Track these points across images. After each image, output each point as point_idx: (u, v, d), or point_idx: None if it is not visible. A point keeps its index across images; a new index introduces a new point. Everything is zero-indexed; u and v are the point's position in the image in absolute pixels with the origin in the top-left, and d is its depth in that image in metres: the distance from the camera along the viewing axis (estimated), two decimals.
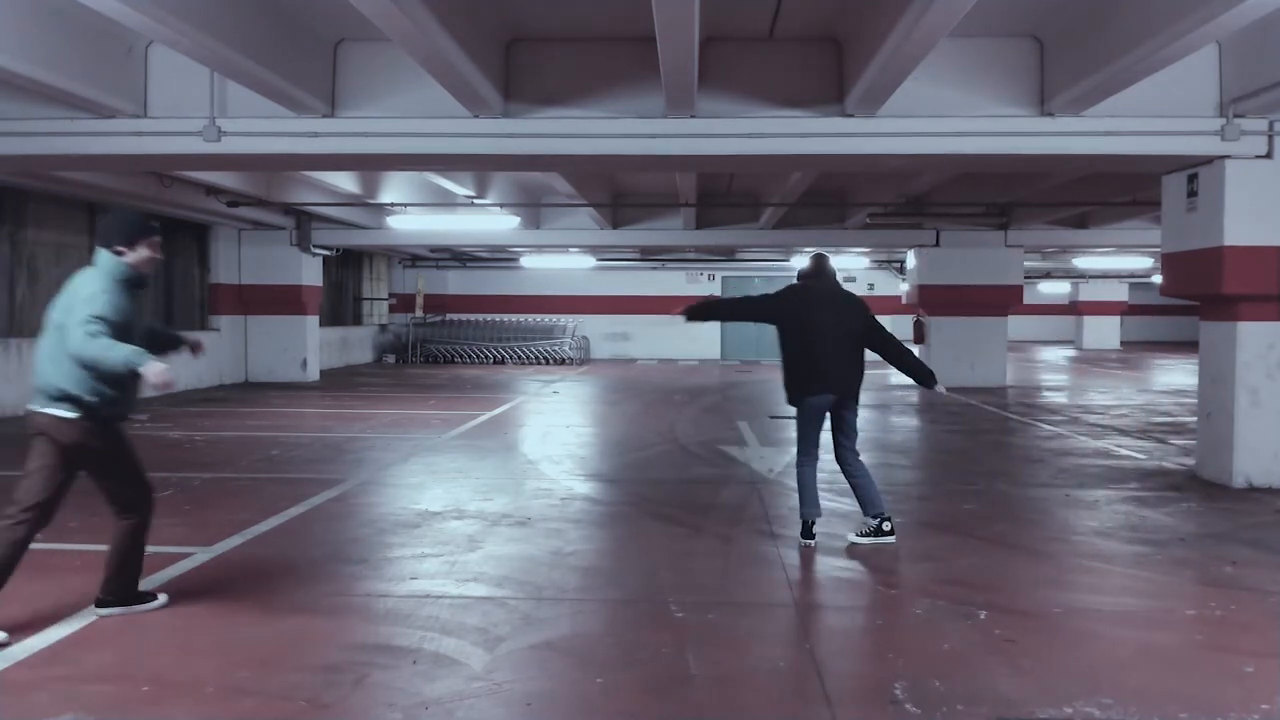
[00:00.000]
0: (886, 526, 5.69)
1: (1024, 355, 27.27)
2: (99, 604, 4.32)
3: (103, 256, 4.10)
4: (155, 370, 3.87)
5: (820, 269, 5.96)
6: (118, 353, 3.87)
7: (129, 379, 4.05)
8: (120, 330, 3.95)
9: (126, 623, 4.22)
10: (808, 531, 5.68)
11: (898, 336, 6.00)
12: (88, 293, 3.97)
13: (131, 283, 4.13)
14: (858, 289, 25.73)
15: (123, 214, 4.32)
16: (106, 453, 4.18)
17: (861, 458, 5.91)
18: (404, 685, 3.56)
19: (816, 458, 5.82)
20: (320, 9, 6.98)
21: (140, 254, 4.15)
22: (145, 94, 7.59)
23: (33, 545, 5.52)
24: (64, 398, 4.04)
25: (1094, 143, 7.39)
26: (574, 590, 4.80)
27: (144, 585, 4.65)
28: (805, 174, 11.77)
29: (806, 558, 5.47)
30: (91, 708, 3.33)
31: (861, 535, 5.70)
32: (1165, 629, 4.32)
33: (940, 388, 5.93)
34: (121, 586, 4.34)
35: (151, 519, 4.45)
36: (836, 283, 6.00)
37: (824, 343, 5.70)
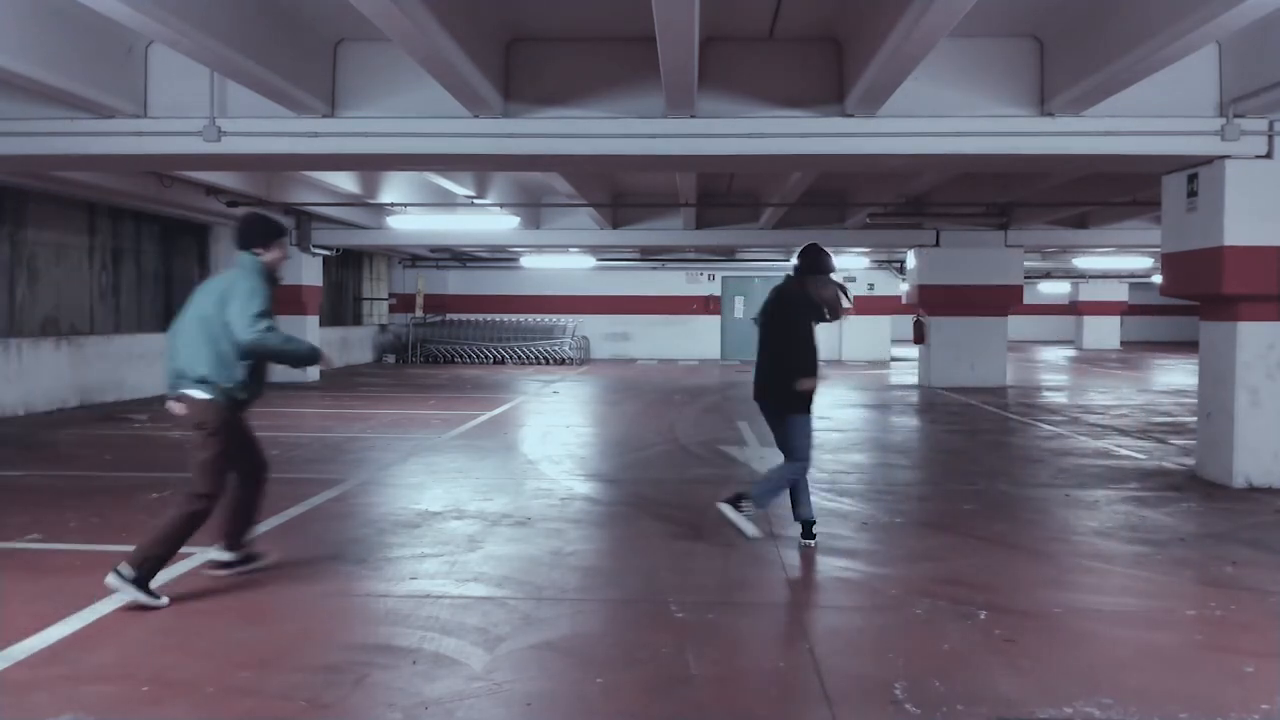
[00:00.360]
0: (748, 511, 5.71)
1: (1024, 355, 27.28)
2: (216, 563, 4.86)
3: (244, 258, 4.62)
4: (330, 357, 4.69)
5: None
6: (299, 344, 4.61)
7: (261, 369, 4.62)
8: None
9: (127, 622, 4.22)
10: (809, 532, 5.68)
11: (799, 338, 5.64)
12: (246, 289, 4.48)
13: (268, 279, 4.67)
14: (858, 289, 25.77)
15: (258, 219, 4.78)
16: (231, 432, 4.60)
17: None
18: (404, 685, 3.56)
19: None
20: (320, 9, 6.98)
21: (274, 254, 4.71)
22: (145, 94, 7.59)
23: (32, 545, 5.53)
24: (202, 381, 4.46)
25: (1094, 143, 7.39)
26: (574, 590, 4.81)
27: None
28: (805, 174, 11.77)
29: (807, 558, 5.47)
30: (91, 708, 3.33)
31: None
32: (1165, 629, 4.32)
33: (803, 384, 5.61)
34: (237, 539, 4.88)
35: (266, 484, 4.96)
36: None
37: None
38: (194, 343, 4.47)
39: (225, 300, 4.47)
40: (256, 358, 4.53)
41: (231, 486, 4.74)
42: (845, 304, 5.73)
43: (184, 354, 4.49)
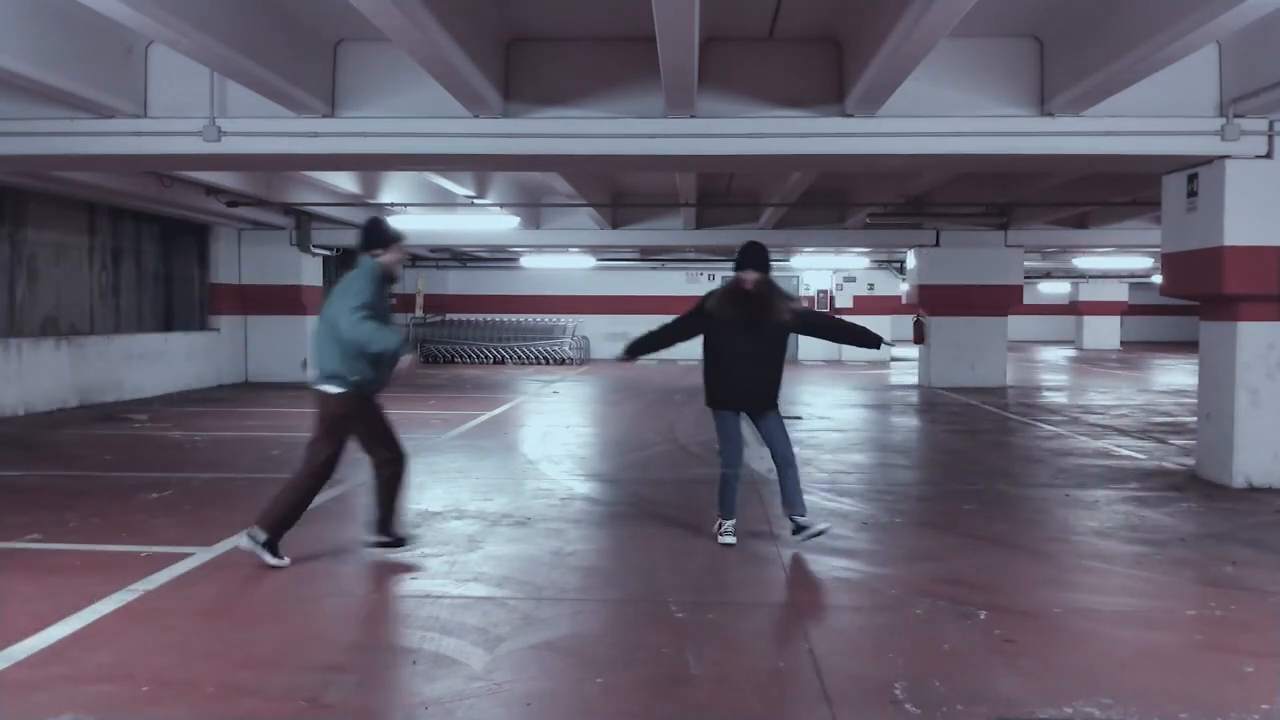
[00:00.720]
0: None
1: (1024, 355, 27.28)
2: (369, 544, 5.26)
3: (364, 260, 5.07)
4: (407, 359, 4.97)
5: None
6: (384, 337, 4.85)
7: (386, 360, 4.99)
8: (376, 315, 4.88)
9: (127, 622, 4.22)
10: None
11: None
12: (355, 289, 4.90)
13: (385, 279, 5.08)
14: (858, 289, 25.77)
15: (378, 224, 5.23)
16: (365, 419, 5.13)
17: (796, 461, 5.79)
18: (404, 685, 3.56)
19: None
20: (320, 9, 6.98)
21: (392, 255, 5.11)
22: (145, 94, 7.59)
23: (32, 545, 5.53)
24: (333, 377, 4.95)
25: (1094, 143, 7.39)
26: (574, 590, 4.80)
27: (141, 585, 4.66)
28: (805, 174, 11.77)
29: (807, 557, 5.46)
30: (91, 708, 3.33)
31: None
32: (1165, 629, 4.32)
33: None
34: (386, 524, 5.28)
35: (405, 472, 5.34)
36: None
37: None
38: (324, 343, 4.97)
39: (339, 301, 4.91)
40: (356, 349, 4.88)
41: (373, 476, 5.29)
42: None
43: (318, 353, 5.00)
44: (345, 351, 4.88)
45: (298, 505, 5.09)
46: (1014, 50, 7.40)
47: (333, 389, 4.97)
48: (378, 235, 5.12)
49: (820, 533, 5.57)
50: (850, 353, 25.40)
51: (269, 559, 4.99)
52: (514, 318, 25.06)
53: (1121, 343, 32.92)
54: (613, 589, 4.91)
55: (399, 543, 5.33)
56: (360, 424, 5.15)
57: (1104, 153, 7.45)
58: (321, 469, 5.08)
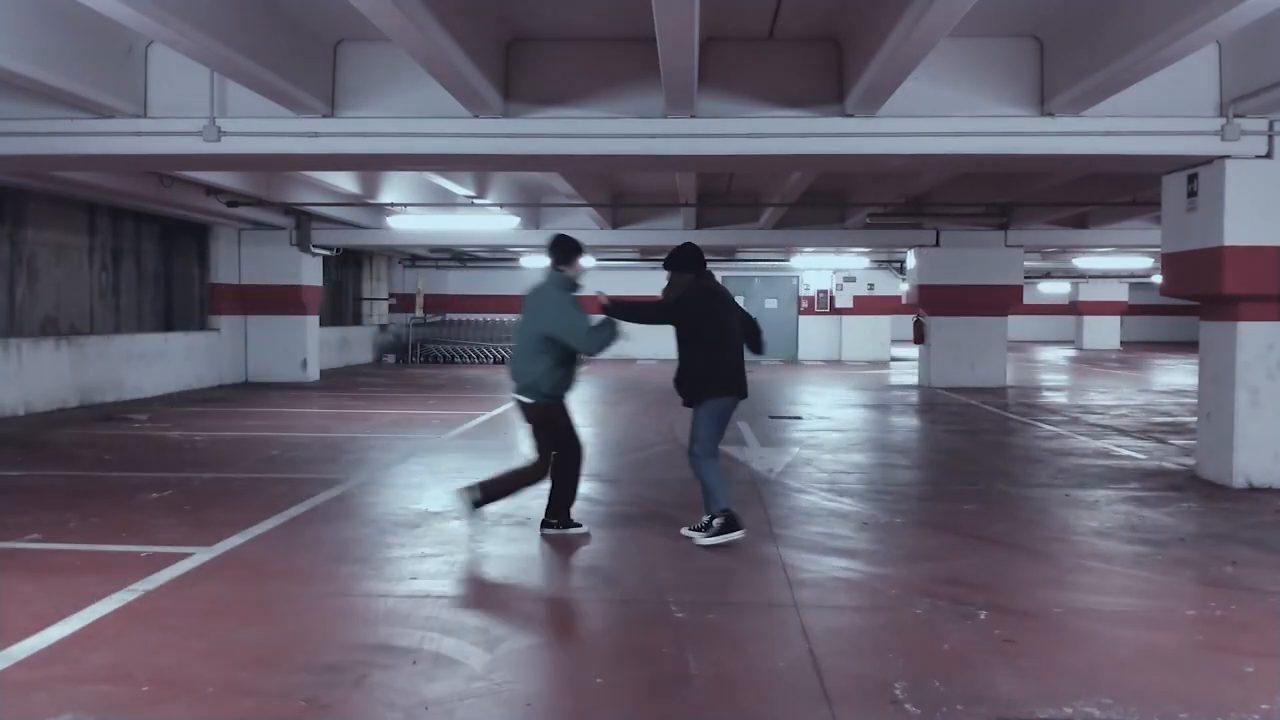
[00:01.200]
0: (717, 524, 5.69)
1: (1024, 355, 27.28)
2: (544, 525, 5.79)
3: (554, 274, 5.66)
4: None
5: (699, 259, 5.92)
6: (608, 331, 5.49)
7: (575, 370, 5.72)
8: None
9: (127, 622, 4.22)
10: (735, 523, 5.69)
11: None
12: (564, 304, 5.52)
13: (572, 288, 5.68)
14: (858, 289, 25.77)
15: (564, 240, 5.74)
16: (558, 422, 5.73)
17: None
18: (404, 685, 3.56)
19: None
20: (320, 9, 6.98)
21: (576, 268, 5.69)
22: (145, 94, 7.59)
23: (32, 545, 5.54)
24: (537, 388, 5.58)
25: (1094, 143, 7.39)
26: (574, 590, 4.80)
27: (141, 585, 4.66)
28: (805, 174, 11.77)
29: (806, 558, 5.46)
30: (91, 708, 3.33)
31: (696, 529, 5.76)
32: (1165, 629, 4.32)
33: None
34: (561, 510, 5.78)
35: (583, 465, 5.89)
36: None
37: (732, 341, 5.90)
38: (528, 358, 5.59)
39: (548, 319, 5.52)
40: (590, 353, 5.57)
41: (553, 468, 5.78)
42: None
43: (521, 367, 5.64)
44: (549, 369, 5.54)
45: (514, 487, 5.79)
46: (1014, 50, 7.40)
47: (529, 399, 5.63)
48: (565, 252, 5.69)
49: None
50: (850, 353, 25.42)
51: (470, 513, 5.73)
52: (514, 318, 24.98)
53: (1121, 343, 32.92)
54: (613, 589, 4.91)
55: (571, 525, 5.83)
56: (554, 426, 5.73)
57: (1104, 153, 7.45)
58: (539, 465, 5.75)
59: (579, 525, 5.88)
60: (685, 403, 5.94)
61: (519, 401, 5.71)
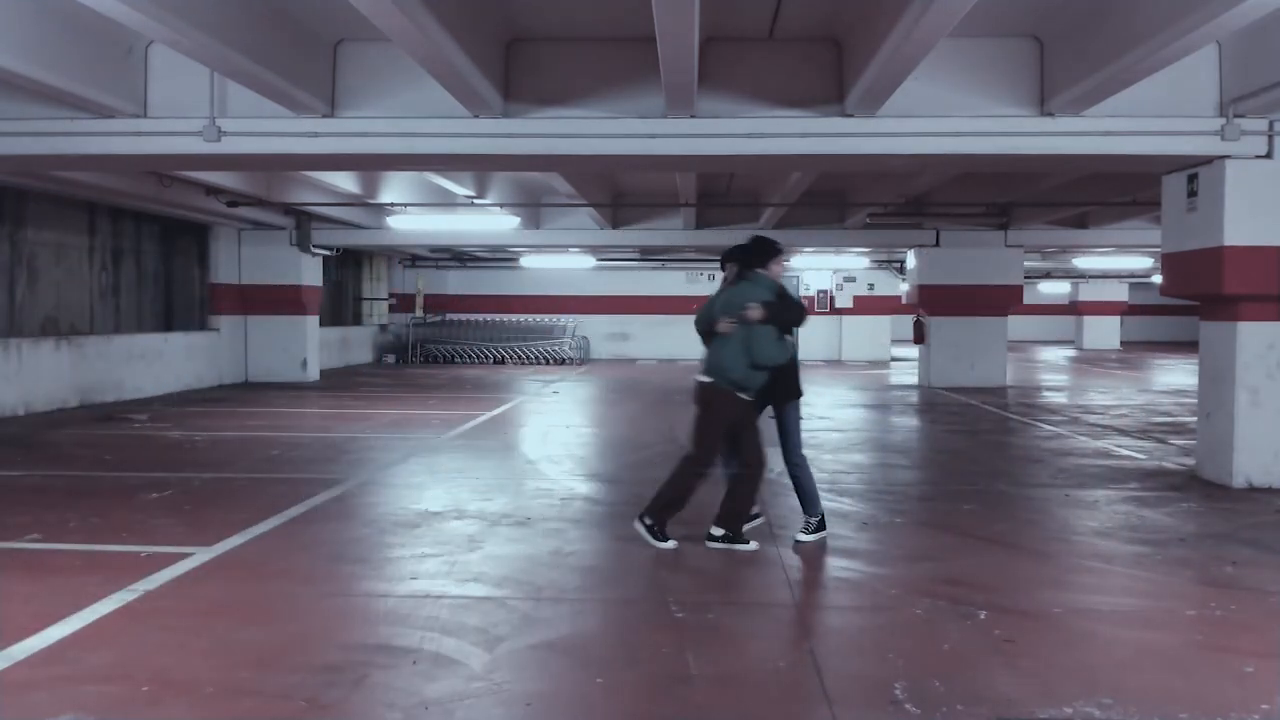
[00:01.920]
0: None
1: (1024, 355, 27.28)
2: (709, 538, 5.55)
3: (758, 275, 5.65)
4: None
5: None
6: (781, 353, 5.53)
7: (765, 374, 5.58)
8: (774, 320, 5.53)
9: (127, 622, 4.22)
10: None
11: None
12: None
13: (773, 287, 5.66)
14: (858, 289, 25.78)
15: (762, 243, 5.76)
16: (749, 420, 5.59)
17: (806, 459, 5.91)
18: (404, 685, 3.56)
19: None
20: (320, 9, 6.98)
21: (773, 270, 5.71)
22: (145, 94, 7.59)
23: (32, 545, 5.54)
24: (737, 384, 5.48)
25: (1094, 143, 7.39)
26: (574, 590, 4.81)
27: (141, 585, 4.66)
28: (805, 174, 11.77)
29: (806, 558, 5.46)
30: (91, 708, 3.33)
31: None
32: (1165, 629, 4.33)
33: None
34: (732, 522, 5.56)
35: (761, 476, 5.69)
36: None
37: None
38: (735, 354, 5.45)
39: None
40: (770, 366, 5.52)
41: (728, 476, 5.72)
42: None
43: (725, 362, 5.49)
44: (753, 369, 5.46)
45: (681, 486, 5.60)
46: (1014, 50, 7.40)
47: (736, 391, 5.50)
48: (762, 254, 5.72)
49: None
50: (850, 352, 25.42)
51: (742, 546, 5.53)
52: (514, 318, 25.05)
53: (1121, 343, 32.93)
54: (613, 589, 4.91)
55: (745, 540, 5.58)
56: (745, 423, 5.59)
57: (1104, 153, 7.46)
58: (705, 449, 5.62)
59: (747, 541, 5.61)
60: (775, 405, 5.77)
61: (731, 396, 5.51)
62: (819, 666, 3.79)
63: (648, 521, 5.56)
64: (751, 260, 5.71)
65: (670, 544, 5.50)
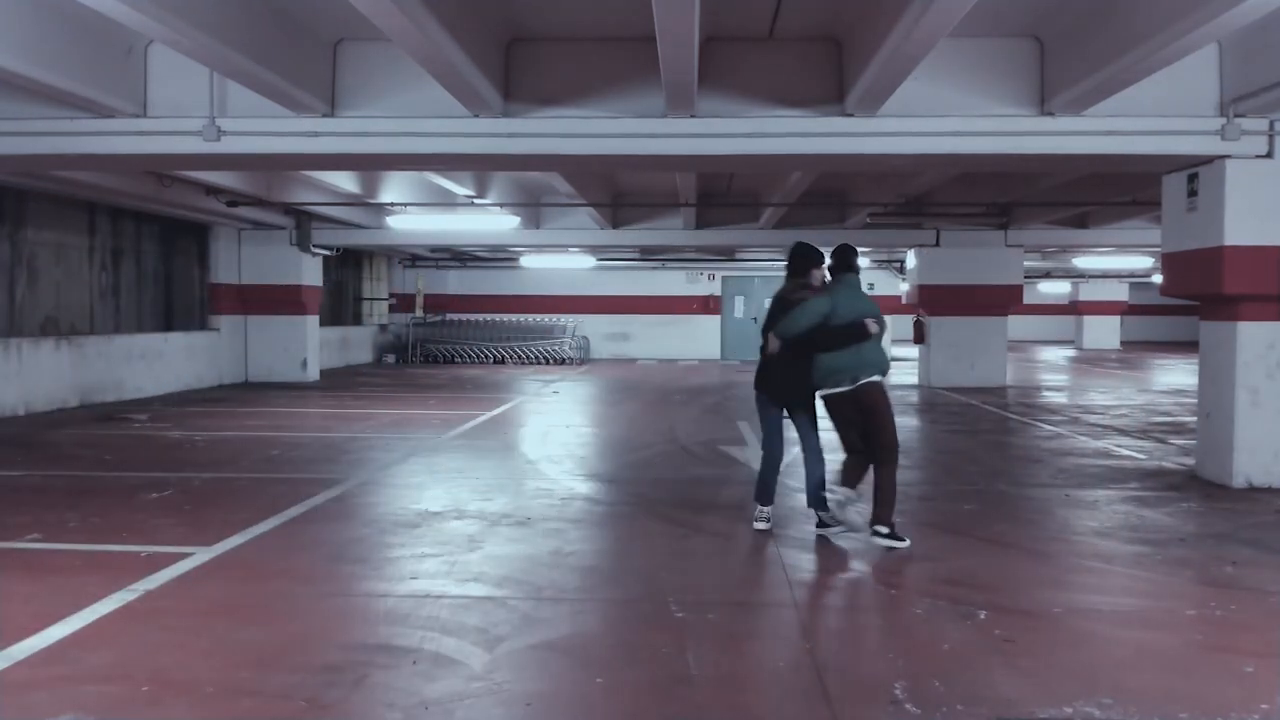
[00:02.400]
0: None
1: (1024, 355, 27.28)
2: (874, 531, 5.56)
3: (848, 277, 5.89)
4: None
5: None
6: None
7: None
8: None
9: (127, 622, 4.23)
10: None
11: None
12: (857, 294, 5.83)
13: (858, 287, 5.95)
14: None
15: (848, 249, 5.92)
16: (888, 408, 5.75)
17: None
18: (404, 685, 3.56)
19: None
20: (320, 9, 6.98)
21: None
22: (145, 94, 7.59)
23: (32, 545, 5.54)
24: (883, 372, 5.73)
25: (1094, 142, 7.39)
26: (574, 590, 4.81)
27: (141, 585, 4.66)
28: (805, 174, 11.76)
29: (806, 558, 5.46)
30: (91, 708, 3.33)
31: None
32: (1165, 629, 4.33)
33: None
34: (887, 517, 5.56)
35: (891, 474, 5.69)
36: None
37: None
38: (877, 346, 5.71)
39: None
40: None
41: (876, 470, 5.71)
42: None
43: (879, 357, 5.73)
44: (884, 354, 5.78)
45: (894, 487, 5.69)
46: (1014, 50, 7.39)
47: (879, 378, 5.69)
48: (850, 258, 5.95)
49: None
50: None
51: (898, 543, 5.53)
52: (514, 318, 25.05)
53: (1121, 343, 32.93)
54: (613, 589, 4.91)
55: (895, 536, 5.56)
56: (886, 412, 5.72)
57: (1104, 152, 7.45)
58: (895, 436, 5.75)
59: (905, 540, 5.58)
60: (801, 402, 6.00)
61: (875, 383, 5.71)
62: (819, 666, 3.79)
63: (884, 531, 5.52)
64: (847, 266, 5.93)
65: (908, 542, 5.56)
